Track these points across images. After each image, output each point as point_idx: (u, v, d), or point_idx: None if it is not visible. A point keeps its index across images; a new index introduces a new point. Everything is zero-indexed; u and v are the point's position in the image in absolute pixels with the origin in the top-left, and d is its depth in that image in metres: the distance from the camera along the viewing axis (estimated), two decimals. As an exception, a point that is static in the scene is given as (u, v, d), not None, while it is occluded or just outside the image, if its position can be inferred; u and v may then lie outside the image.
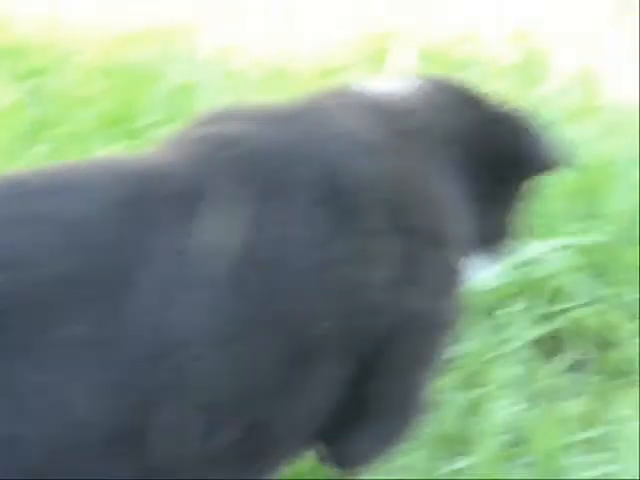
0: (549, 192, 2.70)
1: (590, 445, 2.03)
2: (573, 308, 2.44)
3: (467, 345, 2.29)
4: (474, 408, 2.11)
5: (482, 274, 1.83)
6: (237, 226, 1.40)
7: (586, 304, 2.45)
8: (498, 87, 3.89)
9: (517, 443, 2.07)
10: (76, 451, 1.27)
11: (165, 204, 1.38)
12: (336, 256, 1.47)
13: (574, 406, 2.06)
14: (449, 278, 1.65)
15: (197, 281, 1.35)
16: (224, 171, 1.45)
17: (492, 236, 1.78)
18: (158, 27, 3.94)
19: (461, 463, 1.96)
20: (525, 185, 1.82)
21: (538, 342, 2.41)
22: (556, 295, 2.52)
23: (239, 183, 1.44)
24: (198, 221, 1.37)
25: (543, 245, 2.52)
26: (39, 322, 1.26)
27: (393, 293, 1.53)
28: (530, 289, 2.46)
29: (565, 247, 2.53)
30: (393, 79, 1.81)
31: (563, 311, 2.44)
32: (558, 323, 2.40)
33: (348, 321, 1.47)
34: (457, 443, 2.04)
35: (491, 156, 1.72)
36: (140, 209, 1.36)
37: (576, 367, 2.16)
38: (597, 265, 2.61)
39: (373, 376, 1.56)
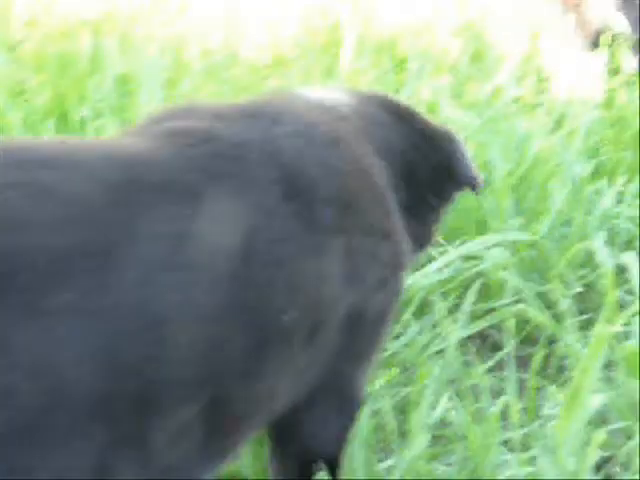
0: (489, 188, 2.71)
1: (519, 443, 2.04)
2: (506, 305, 2.45)
3: (400, 341, 2.30)
4: (406, 404, 2.12)
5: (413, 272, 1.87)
6: (214, 219, 1.47)
7: (519, 302, 2.46)
8: (448, 80, 3.91)
9: (448, 441, 2.08)
10: (62, 409, 1.34)
11: (151, 190, 1.46)
12: (299, 250, 1.55)
13: (505, 404, 2.06)
14: (396, 273, 1.74)
15: (177, 265, 1.43)
16: (198, 165, 1.51)
17: (419, 240, 1.89)
18: (102, 17, 3.91)
19: (392, 461, 1.97)
20: (452, 195, 1.96)
21: (471, 339, 2.43)
22: (490, 292, 2.53)
23: (214, 178, 1.51)
24: (181, 210, 1.45)
25: (478, 242, 2.52)
26: (34, 286, 1.32)
27: (348, 287, 1.61)
28: (464, 286, 2.47)
29: (500, 244, 2.54)
30: (334, 90, 1.89)
31: (496, 309, 2.46)
32: (490, 320, 2.41)
33: (308, 312, 1.55)
34: (389, 439, 2.06)
35: (422, 169, 1.86)
36: (129, 192, 1.44)
37: (508, 365, 2.16)
38: (530, 263, 2.62)
39: (324, 364, 1.63)
